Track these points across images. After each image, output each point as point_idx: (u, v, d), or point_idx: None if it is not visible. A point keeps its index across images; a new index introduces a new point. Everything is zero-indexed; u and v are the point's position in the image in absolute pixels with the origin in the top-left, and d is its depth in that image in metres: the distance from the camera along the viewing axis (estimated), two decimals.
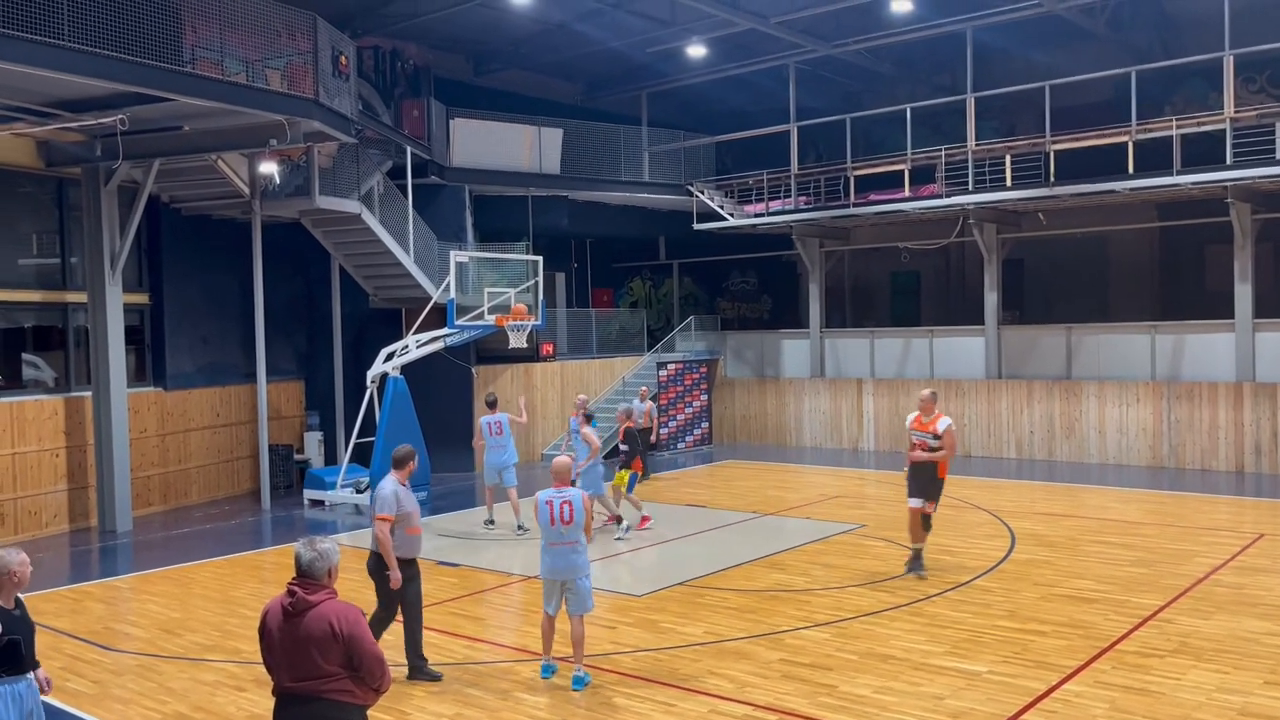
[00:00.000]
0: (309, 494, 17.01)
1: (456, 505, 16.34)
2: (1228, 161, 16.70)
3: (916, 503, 10.86)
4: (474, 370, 19.95)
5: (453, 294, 16.15)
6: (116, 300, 15.19)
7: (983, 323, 21.13)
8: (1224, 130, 16.78)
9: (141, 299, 17.06)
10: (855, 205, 20.95)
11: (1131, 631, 8.82)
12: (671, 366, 23.06)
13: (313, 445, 19.50)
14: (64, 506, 15.17)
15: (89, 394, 15.36)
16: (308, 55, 13.91)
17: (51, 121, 13.47)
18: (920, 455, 10.79)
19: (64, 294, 15.75)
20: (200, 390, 17.70)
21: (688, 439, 23.12)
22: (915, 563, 11.02)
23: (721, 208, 22.93)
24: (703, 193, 23.18)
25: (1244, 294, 18.03)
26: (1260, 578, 10.55)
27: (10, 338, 15.22)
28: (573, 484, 8.13)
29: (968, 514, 14.56)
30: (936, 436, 10.68)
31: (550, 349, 22.00)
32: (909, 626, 9.15)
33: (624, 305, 26.69)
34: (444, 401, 19.39)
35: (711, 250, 26.27)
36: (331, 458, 19.40)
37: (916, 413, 10.93)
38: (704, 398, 23.78)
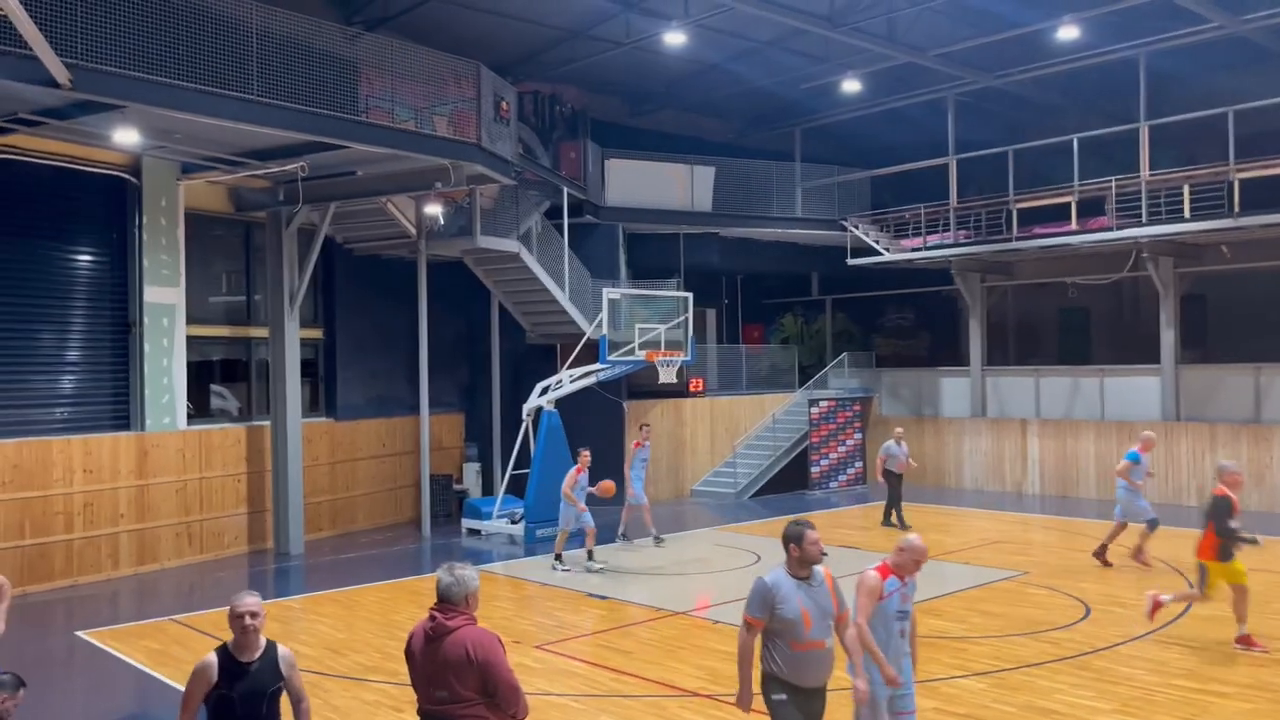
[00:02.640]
0: (467, 523, 17.56)
1: (604, 538, 16.50)
2: None
3: None
4: (624, 405, 20.20)
5: (605, 330, 16.45)
6: (294, 335, 16.20)
7: (1159, 361, 19.96)
8: None
9: (316, 334, 18.13)
10: (1018, 239, 20.22)
11: None
12: (824, 404, 22.71)
13: (471, 475, 20.18)
14: (244, 529, 16.15)
15: (268, 423, 16.38)
16: (471, 102, 14.54)
17: (241, 170, 14.60)
18: None
19: (248, 329, 16.91)
20: (368, 421, 18.60)
21: (840, 478, 22.65)
22: None
23: (877, 243, 22.54)
24: (857, 227, 22.85)
25: None
26: None
27: (201, 370, 16.39)
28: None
29: None
30: None
31: (700, 384, 22.06)
32: (1074, 680, 8.66)
33: (775, 341, 26.52)
34: (595, 435, 19.62)
35: (866, 286, 25.81)
36: (489, 488, 19.98)
37: None
38: (858, 436, 23.27)
